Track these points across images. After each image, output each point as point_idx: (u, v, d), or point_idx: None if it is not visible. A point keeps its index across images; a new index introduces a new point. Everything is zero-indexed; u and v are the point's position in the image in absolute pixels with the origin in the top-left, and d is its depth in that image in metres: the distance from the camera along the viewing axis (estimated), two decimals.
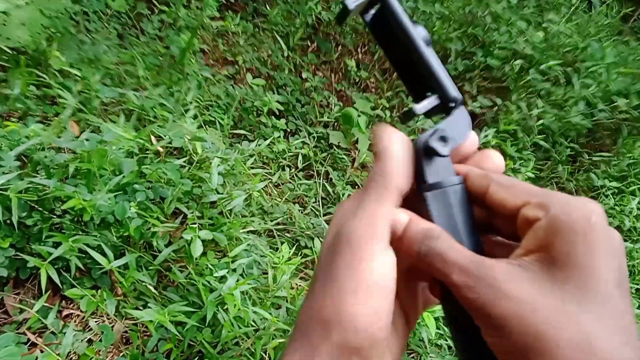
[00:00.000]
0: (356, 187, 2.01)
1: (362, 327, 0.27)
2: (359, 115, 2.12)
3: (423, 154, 0.31)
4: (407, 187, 0.31)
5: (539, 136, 2.37)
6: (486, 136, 2.22)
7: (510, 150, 2.27)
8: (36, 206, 1.12)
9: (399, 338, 0.31)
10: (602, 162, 2.47)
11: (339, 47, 2.63)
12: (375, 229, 0.28)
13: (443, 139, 0.32)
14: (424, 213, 0.31)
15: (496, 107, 2.52)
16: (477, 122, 2.54)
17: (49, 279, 1.07)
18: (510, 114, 2.37)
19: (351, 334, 0.27)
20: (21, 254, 1.10)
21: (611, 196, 2.27)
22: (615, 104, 2.48)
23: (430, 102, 0.32)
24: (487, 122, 2.49)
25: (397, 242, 0.30)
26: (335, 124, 2.25)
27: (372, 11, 0.33)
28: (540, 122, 2.40)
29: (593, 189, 2.36)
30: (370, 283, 0.27)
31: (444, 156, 0.32)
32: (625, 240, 2.06)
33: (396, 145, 0.31)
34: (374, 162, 0.31)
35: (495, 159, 0.33)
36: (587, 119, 2.46)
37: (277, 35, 2.34)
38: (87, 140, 1.23)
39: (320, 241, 1.52)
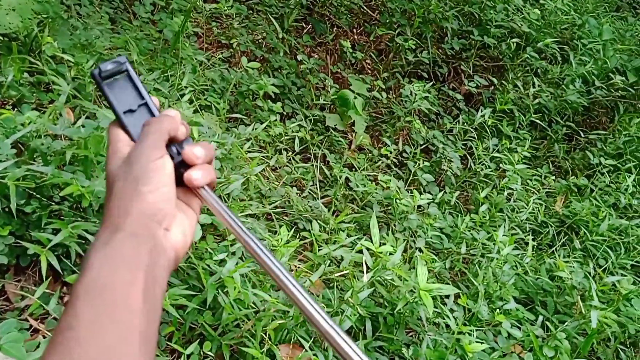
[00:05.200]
0: (353, 169, 2.01)
1: (152, 201, 0.43)
2: (355, 97, 2.11)
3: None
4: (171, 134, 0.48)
5: (535, 115, 2.37)
6: (482, 116, 2.22)
7: (507, 129, 2.27)
8: (34, 193, 1.12)
9: (189, 218, 0.48)
10: (598, 140, 2.47)
11: (334, 28, 2.60)
12: (158, 148, 0.45)
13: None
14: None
15: (492, 87, 2.51)
16: (474, 102, 2.54)
17: (50, 265, 1.08)
18: (507, 93, 2.36)
19: (146, 205, 0.42)
20: (21, 242, 1.10)
21: (607, 174, 2.28)
22: (612, 81, 2.47)
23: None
24: (484, 102, 2.48)
25: None
26: (332, 106, 2.24)
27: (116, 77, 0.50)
28: (537, 100, 2.39)
29: (589, 167, 2.37)
30: (157, 179, 0.43)
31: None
32: (620, 218, 2.07)
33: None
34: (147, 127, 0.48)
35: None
36: (583, 97, 2.46)
37: (271, 17, 2.31)
38: (83, 126, 1.23)
39: (319, 223, 1.53)
